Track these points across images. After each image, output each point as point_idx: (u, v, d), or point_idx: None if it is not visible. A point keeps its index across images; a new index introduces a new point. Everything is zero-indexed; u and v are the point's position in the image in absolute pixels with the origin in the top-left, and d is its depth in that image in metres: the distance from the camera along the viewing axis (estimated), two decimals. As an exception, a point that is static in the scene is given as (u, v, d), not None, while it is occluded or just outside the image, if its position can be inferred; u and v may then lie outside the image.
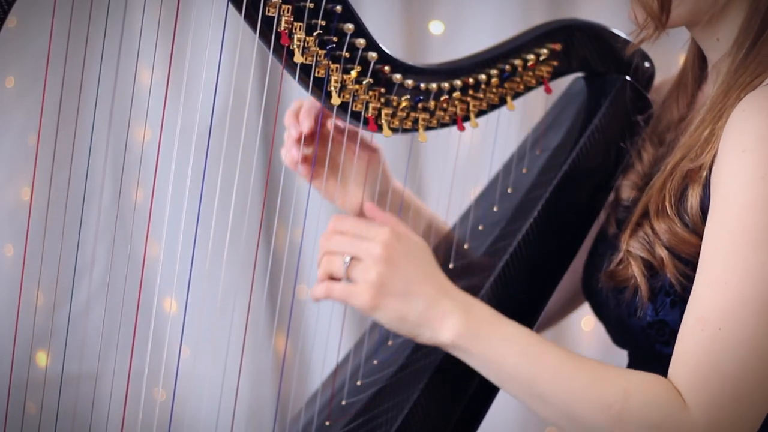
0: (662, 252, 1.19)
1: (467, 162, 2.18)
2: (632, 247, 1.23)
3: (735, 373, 1.07)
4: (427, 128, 1.36)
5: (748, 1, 1.18)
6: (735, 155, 1.08)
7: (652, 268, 1.21)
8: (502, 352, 1.16)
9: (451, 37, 2.25)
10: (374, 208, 1.30)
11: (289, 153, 1.42)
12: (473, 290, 1.37)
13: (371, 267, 1.17)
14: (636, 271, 1.22)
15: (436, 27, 2.27)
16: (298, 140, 1.40)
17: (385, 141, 2.16)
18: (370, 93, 1.31)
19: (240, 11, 1.23)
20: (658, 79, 1.46)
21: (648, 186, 1.24)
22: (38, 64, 2.00)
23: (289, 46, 1.26)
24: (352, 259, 1.18)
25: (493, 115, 1.41)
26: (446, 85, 1.34)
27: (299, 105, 1.42)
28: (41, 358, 2.02)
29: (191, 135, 1.47)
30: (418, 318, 1.17)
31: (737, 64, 1.17)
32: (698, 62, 1.33)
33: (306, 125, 1.39)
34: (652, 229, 1.20)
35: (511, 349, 1.16)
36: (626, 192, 1.35)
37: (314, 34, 1.26)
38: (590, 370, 1.14)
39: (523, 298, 1.38)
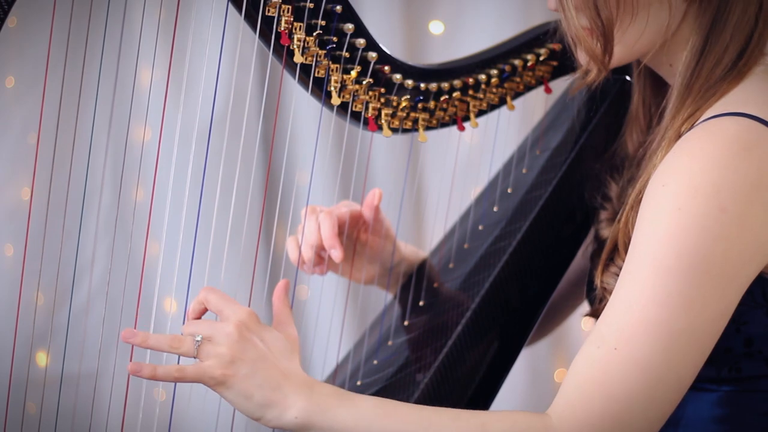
0: None
1: (467, 162, 2.18)
2: (607, 283, 1.23)
3: (622, 395, 1.07)
4: (427, 128, 1.36)
5: (693, 24, 1.16)
6: (657, 189, 1.10)
7: None
8: (351, 417, 1.13)
9: (451, 37, 2.25)
10: (279, 300, 1.29)
11: (299, 261, 1.44)
12: (473, 290, 1.37)
13: (222, 345, 1.15)
14: None
15: (436, 27, 2.26)
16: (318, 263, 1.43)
17: (385, 141, 2.16)
18: (370, 93, 1.31)
19: (240, 11, 1.23)
20: None
21: (616, 220, 1.24)
22: (38, 64, 2.00)
23: (289, 46, 1.26)
24: (203, 339, 1.16)
25: (493, 116, 1.41)
26: (446, 85, 1.35)
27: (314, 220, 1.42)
28: (41, 358, 2.02)
29: (191, 135, 1.47)
30: (262, 398, 1.14)
31: (682, 90, 1.17)
32: (649, 97, 1.33)
33: (337, 255, 1.39)
34: (623, 263, 1.19)
35: (360, 412, 1.14)
36: (605, 232, 1.35)
37: (314, 34, 1.26)
38: (445, 412, 1.14)
39: (524, 298, 1.38)
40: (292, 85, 1.32)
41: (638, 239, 1.10)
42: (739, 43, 1.15)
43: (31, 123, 2.04)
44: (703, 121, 1.12)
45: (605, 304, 1.22)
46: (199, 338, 1.16)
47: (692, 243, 1.06)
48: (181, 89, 1.93)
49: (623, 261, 1.18)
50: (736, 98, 1.13)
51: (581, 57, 1.22)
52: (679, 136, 1.13)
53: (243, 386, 1.14)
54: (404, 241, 2.26)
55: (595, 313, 1.28)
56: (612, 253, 1.23)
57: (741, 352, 1.15)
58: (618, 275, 1.19)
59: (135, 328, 1.48)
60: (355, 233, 1.47)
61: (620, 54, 1.19)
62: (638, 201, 1.16)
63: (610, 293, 1.20)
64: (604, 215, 1.35)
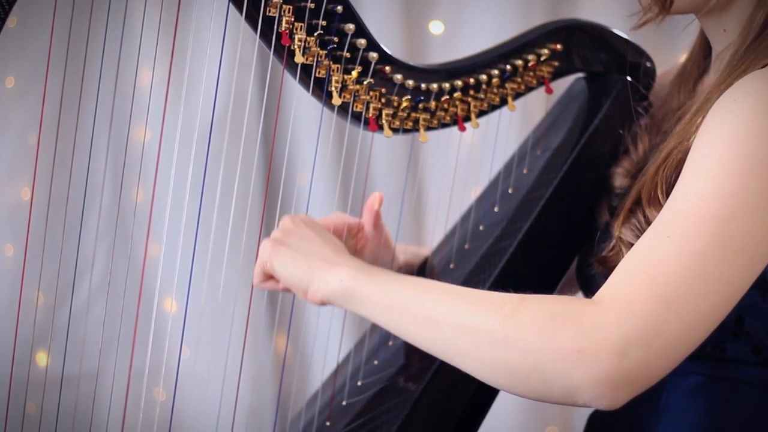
0: None
1: (468, 162, 2.18)
2: (624, 234, 1.20)
3: (672, 280, 1.01)
4: (428, 128, 1.36)
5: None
6: (726, 103, 1.08)
7: None
8: (393, 286, 1.16)
9: (451, 37, 2.25)
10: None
11: None
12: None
13: (278, 229, 1.29)
14: None
15: (436, 27, 2.26)
16: None
17: (385, 142, 2.16)
18: (371, 93, 1.31)
19: (241, 12, 1.23)
20: (663, 68, 1.46)
21: (641, 173, 1.23)
22: (38, 64, 2.00)
23: (290, 47, 1.26)
24: None
25: (493, 116, 1.41)
26: (447, 85, 1.34)
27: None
28: (41, 358, 2.02)
29: (192, 135, 1.47)
30: (308, 265, 1.22)
31: (739, 55, 1.17)
32: (703, 52, 1.33)
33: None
34: (645, 216, 1.18)
35: (402, 282, 1.17)
36: (619, 180, 1.34)
37: (315, 34, 1.26)
38: (484, 290, 1.13)
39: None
40: (292, 86, 1.32)
41: (701, 143, 1.08)
42: None
43: (31, 123, 2.04)
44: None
45: (615, 253, 1.21)
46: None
47: (759, 152, 1.04)
48: (182, 90, 1.93)
49: (645, 215, 1.17)
50: None
51: None
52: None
53: (289, 253, 1.24)
54: (405, 241, 2.26)
55: (603, 260, 1.24)
56: (634, 206, 1.21)
57: (729, 329, 1.14)
58: (639, 229, 1.18)
59: (135, 328, 1.48)
60: (353, 240, 1.47)
61: (678, 3, 1.20)
62: (677, 152, 1.15)
63: (626, 245, 1.19)
64: (624, 164, 1.34)
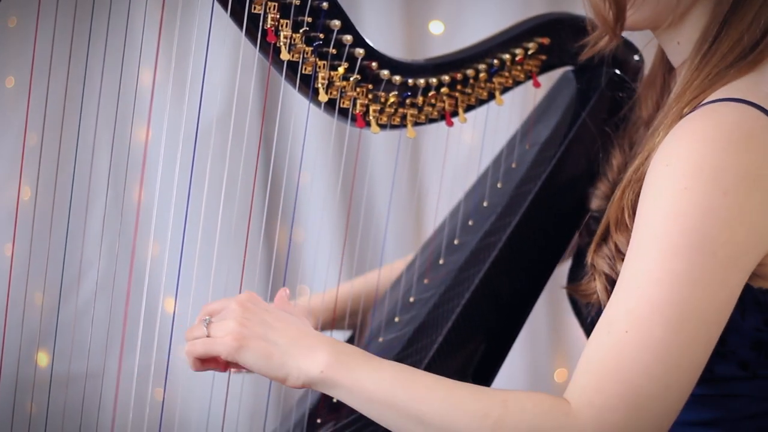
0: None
1: (467, 162, 2.17)
2: (597, 263, 1.21)
3: (637, 379, 1.05)
4: (416, 124, 1.36)
5: (709, 6, 1.16)
6: (660, 168, 1.08)
7: (615, 284, 1.17)
8: (374, 379, 1.13)
9: (451, 37, 2.24)
10: (280, 302, 1.30)
11: None
12: (464, 286, 1.37)
13: (229, 319, 1.16)
14: (599, 287, 1.20)
15: (436, 27, 2.26)
16: None
17: (386, 141, 2.16)
18: (358, 89, 1.31)
19: (226, 9, 1.23)
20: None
21: (612, 197, 1.23)
22: (38, 64, 2.01)
23: (275, 44, 1.26)
24: (211, 320, 1.18)
25: (491, 115, 1.41)
26: (434, 80, 1.34)
27: None
28: (42, 358, 2.03)
29: (193, 135, 1.47)
30: (283, 354, 1.14)
31: (691, 72, 1.16)
32: (667, 63, 1.31)
33: None
34: (614, 243, 1.18)
35: (383, 375, 1.13)
36: (596, 202, 1.34)
37: (301, 30, 1.26)
38: (467, 387, 1.13)
39: (515, 294, 1.38)
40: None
41: (642, 219, 1.08)
42: (755, 35, 1.14)
43: (31, 123, 2.05)
44: (706, 104, 1.11)
45: (588, 282, 1.22)
46: (207, 319, 1.18)
47: (698, 222, 1.04)
48: (183, 89, 1.93)
49: (615, 242, 1.17)
50: (742, 85, 1.12)
51: (593, 23, 1.22)
52: (681, 116, 1.12)
53: (259, 346, 1.14)
54: (404, 241, 2.26)
55: (576, 289, 1.25)
56: (605, 234, 1.21)
57: (714, 351, 1.12)
58: (610, 257, 1.18)
59: (136, 328, 1.49)
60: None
61: (635, 20, 1.19)
62: (636, 179, 1.15)
63: (599, 274, 1.20)
64: (601, 187, 1.34)
